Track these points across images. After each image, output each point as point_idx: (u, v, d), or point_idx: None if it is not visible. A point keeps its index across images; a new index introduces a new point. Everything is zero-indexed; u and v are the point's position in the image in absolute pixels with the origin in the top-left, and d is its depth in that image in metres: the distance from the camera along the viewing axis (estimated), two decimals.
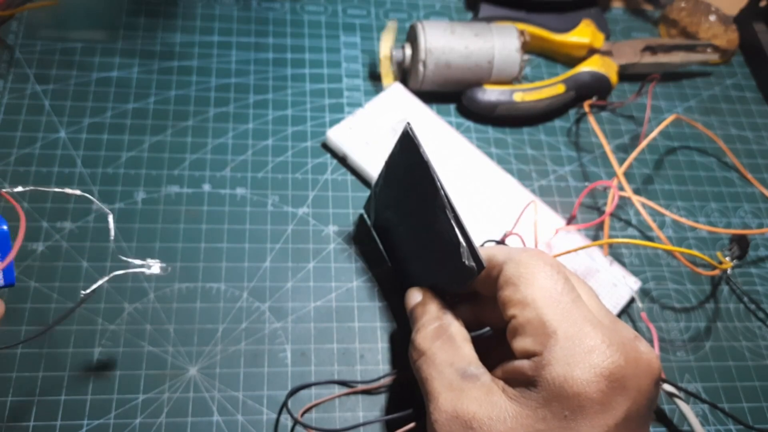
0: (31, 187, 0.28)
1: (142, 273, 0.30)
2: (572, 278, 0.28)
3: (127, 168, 0.38)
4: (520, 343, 0.25)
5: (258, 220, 0.38)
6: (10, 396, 0.31)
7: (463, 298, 0.32)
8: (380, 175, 0.35)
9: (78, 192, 0.29)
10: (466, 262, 0.28)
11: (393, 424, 0.32)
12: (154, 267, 0.30)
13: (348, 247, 0.38)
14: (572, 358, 0.24)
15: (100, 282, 0.28)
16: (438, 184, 0.29)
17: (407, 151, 0.32)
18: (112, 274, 0.29)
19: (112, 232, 0.29)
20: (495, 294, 0.28)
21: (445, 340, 0.29)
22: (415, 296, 0.32)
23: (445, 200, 0.29)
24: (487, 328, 0.32)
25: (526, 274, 0.26)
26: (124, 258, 0.30)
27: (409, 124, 0.31)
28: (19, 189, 0.27)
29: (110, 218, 0.29)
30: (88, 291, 0.28)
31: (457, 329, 0.29)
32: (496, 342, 0.30)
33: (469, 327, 0.31)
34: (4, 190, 0.27)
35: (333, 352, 0.34)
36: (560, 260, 0.37)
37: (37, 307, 0.33)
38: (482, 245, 0.37)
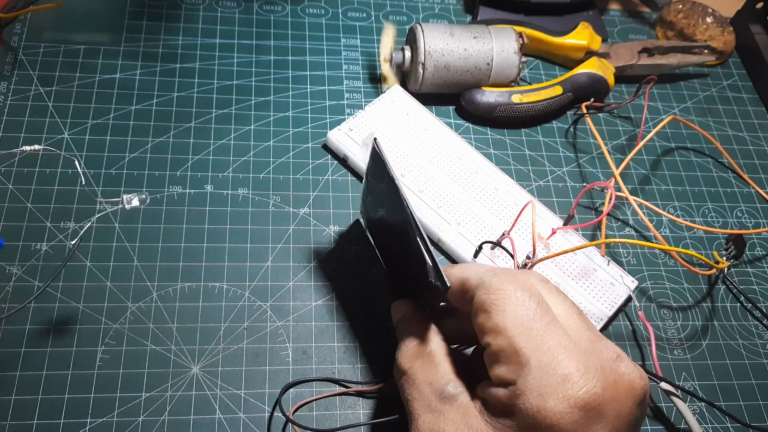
0: None
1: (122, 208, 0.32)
2: (551, 296, 0.27)
3: (129, 169, 0.39)
4: (496, 371, 0.25)
5: (259, 220, 0.38)
6: (13, 395, 0.31)
7: (449, 311, 0.31)
8: (364, 184, 0.35)
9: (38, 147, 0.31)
10: (432, 281, 0.28)
11: (378, 428, 0.32)
12: (134, 201, 0.30)
13: (349, 247, 0.38)
14: (545, 388, 0.23)
15: (87, 224, 0.32)
16: (404, 202, 0.29)
17: (378, 166, 0.31)
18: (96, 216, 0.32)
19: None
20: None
21: (424, 359, 0.28)
22: (399, 310, 0.32)
23: (411, 218, 0.28)
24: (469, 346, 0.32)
25: (497, 300, 0.26)
26: (102, 199, 0.32)
27: (376, 139, 0.31)
28: None
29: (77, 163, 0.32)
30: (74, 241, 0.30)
31: (437, 345, 0.29)
32: (481, 353, 0.30)
33: (456, 339, 0.31)
34: None
35: (334, 350, 0.35)
36: (558, 259, 0.38)
37: (41, 307, 0.33)
38: (479, 246, 0.37)
